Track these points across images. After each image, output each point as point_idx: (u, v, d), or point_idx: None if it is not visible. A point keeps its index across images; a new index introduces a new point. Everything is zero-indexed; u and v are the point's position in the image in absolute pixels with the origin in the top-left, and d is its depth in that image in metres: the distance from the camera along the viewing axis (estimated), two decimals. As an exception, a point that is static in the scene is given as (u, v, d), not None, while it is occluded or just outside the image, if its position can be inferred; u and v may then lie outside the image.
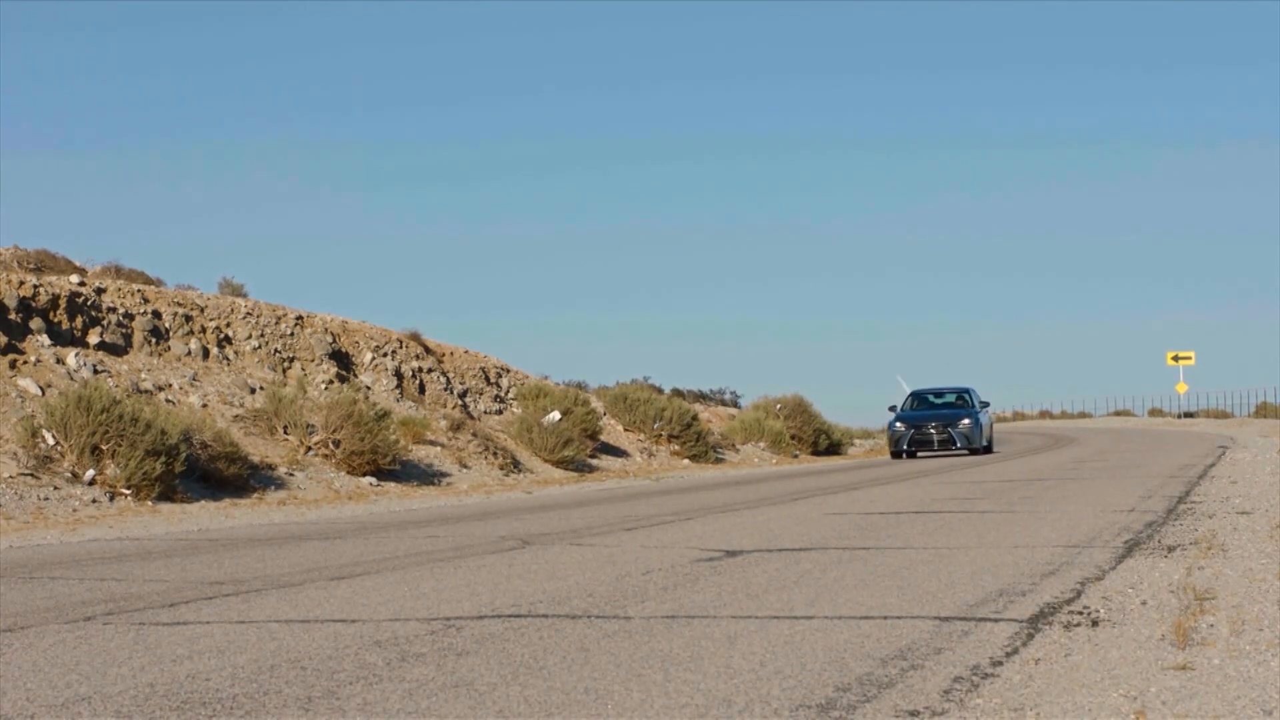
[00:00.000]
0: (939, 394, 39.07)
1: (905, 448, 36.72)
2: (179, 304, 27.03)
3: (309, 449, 24.18)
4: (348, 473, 24.04)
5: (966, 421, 36.63)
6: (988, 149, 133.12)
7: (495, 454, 28.94)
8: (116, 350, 24.75)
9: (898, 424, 37.29)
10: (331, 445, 24.22)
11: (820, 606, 7.97)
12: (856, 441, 53.88)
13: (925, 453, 36.70)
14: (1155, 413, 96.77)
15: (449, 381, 33.34)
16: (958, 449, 36.20)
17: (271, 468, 22.83)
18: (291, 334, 29.35)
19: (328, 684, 5.82)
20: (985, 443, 37.88)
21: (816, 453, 45.40)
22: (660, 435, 37.48)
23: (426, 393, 32.18)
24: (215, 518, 17.37)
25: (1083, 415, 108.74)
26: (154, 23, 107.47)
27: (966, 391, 38.82)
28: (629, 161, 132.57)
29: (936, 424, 36.48)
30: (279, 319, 29.39)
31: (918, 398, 39.11)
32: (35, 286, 23.51)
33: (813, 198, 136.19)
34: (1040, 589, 8.58)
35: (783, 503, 18.00)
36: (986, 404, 38.96)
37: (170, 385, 24.80)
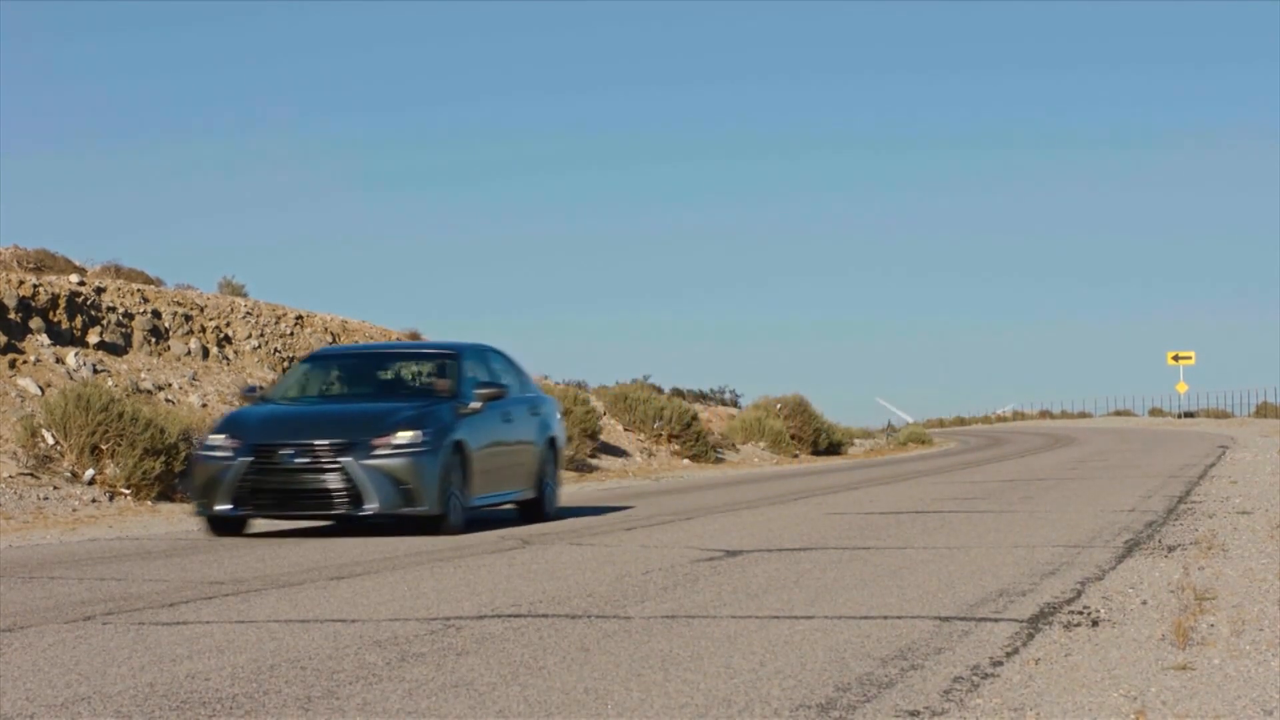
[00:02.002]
0: (384, 356, 16.99)
1: (231, 506, 13.60)
2: (179, 304, 27.03)
3: (309, 449, 24.16)
4: (348, 472, 24.01)
5: (406, 435, 13.64)
6: (988, 149, 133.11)
7: (495, 454, 28.93)
8: (116, 350, 24.75)
9: (221, 439, 14.01)
10: (331, 445, 24.19)
11: (820, 606, 7.97)
12: (857, 441, 53.90)
13: (297, 514, 14.11)
14: (1156, 412, 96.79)
15: (449, 381, 33.34)
16: (365, 511, 13.34)
17: (271, 467, 22.82)
18: (291, 333, 29.36)
19: (328, 684, 5.82)
20: (511, 493, 15.39)
21: (817, 452, 45.40)
22: (660, 435, 37.50)
23: (426, 392, 32.19)
24: (215, 517, 17.35)
25: (1083, 415, 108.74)
26: (154, 23, 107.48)
27: (461, 356, 15.48)
28: (629, 162, 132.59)
29: (327, 445, 13.58)
30: (279, 319, 29.40)
31: (329, 362, 16.41)
32: (35, 286, 23.52)
33: (813, 198, 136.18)
34: (1040, 589, 8.58)
35: (783, 502, 18.00)
36: (534, 398, 16.43)
37: (170, 385, 24.80)
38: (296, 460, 13.49)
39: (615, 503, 18.84)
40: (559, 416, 16.82)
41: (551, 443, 16.08)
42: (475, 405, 14.45)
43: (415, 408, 14.11)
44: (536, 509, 15.55)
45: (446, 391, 14.62)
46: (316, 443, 13.53)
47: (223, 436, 13.98)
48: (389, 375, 16.06)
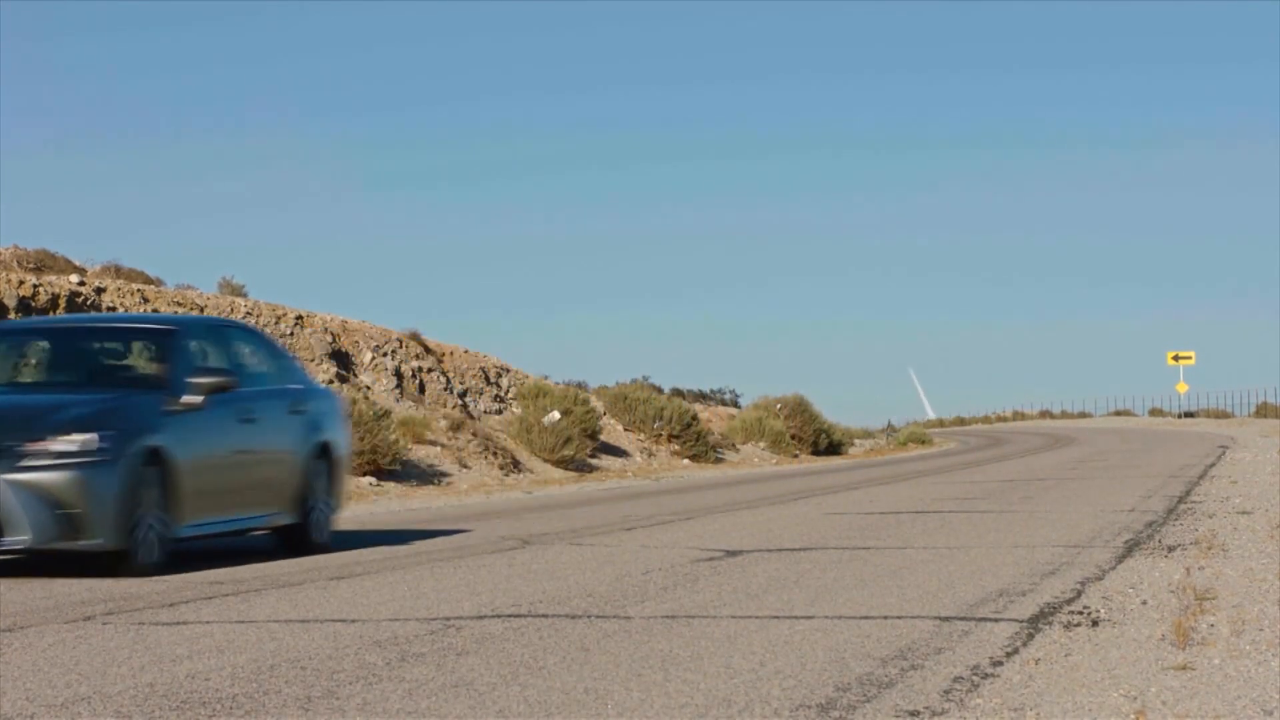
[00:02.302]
0: (81, 333, 12.25)
1: None
2: (179, 304, 27.03)
3: (309, 449, 24.16)
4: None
5: (74, 439, 9.95)
6: (988, 150, 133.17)
7: (495, 454, 28.95)
8: (116, 350, 24.75)
9: None
10: (331, 445, 24.19)
11: (820, 606, 7.97)
12: (857, 441, 53.90)
13: None
14: (1156, 412, 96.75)
15: (449, 381, 33.36)
16: (10, 545, 9.80)
17: (271, 467, 22.81)
18: (291, 334, 29.36)
19: (327, 684, 5.82)
20: (253, 518, 11.53)
21: (817, 453, 45.40)
22: (660, 435, 37.51)
23: (426, 392, 32.20)
24: (215, 517, 17.34)
25: (1083, 415, 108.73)
26: (153, 23, 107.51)
27: (181, 332, 11.61)
28: (629, 162, 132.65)
29: None
30: (279, 319, 29.40)
31: (13, 339, 12.01)
32: (35, 286, 23.51)
33: (813, 198, 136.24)
34: (1040, 589, 8.58)
35: (783, 502, 18.00)
36: (298, 392, 12.37)
37: (170, 385, 24.81)
38: None
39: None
40: (339, 415, 12.97)
41: (323, 450, 12.21)
42: (192, 399, 10.72)
43: (96, 401, 10.40)
44: (299, 537, 11.80)
45: (157, 380, 10.97)
46: None
47: None
48: (105, 360, 11.72)
